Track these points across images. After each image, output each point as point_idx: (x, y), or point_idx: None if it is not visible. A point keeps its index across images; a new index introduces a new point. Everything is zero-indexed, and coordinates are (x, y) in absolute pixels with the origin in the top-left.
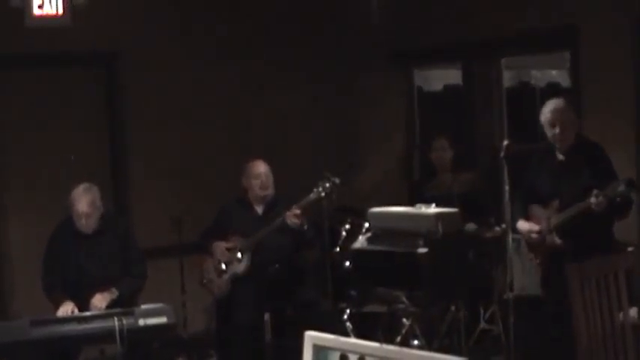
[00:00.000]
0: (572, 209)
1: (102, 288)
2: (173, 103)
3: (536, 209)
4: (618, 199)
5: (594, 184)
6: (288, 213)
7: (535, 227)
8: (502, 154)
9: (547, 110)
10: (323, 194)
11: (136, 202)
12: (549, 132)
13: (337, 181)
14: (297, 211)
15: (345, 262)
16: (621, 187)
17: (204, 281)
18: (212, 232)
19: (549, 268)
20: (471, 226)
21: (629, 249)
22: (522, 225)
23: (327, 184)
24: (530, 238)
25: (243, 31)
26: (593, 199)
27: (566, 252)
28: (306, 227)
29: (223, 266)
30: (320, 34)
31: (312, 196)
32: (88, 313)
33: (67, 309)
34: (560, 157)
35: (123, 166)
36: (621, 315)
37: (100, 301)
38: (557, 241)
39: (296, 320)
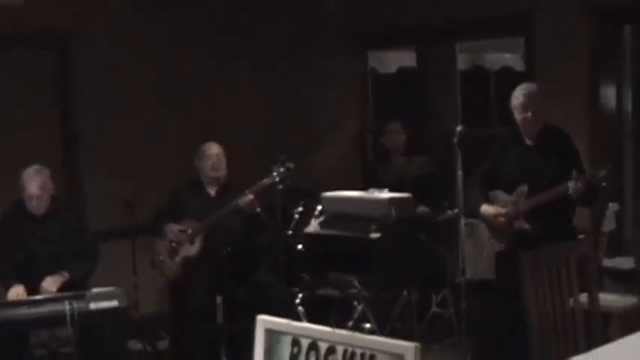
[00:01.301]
0: (546, 194)
1: (53, 271)
2: (126, 85)
3: (498, 194)
4: (604, 184)
5: (563, 170)
6: (241, 197)
7: (502, 211)
8: (455, 139)
9: (520, 94)
10: (277, 179)
11: (88, 183)
12: (520, 116)
13: (292, 166)
14: (251, 196)
15: (297, 245)
16: (602, 173)
17: (156, 263)
18: (165, 214)
19: (511, 254)
20: (422, 210)
21: (581, 236)
22: (487, 209)
23: (282, 169)
24: (496, 223)
25: (198, 15)
26: (571, 184)
27: (533, 237)
28: (259, 210)
29: (175, 248)
30: (274, 16)
31: (267, 181)
32: (38, 297)
33: (16, 292)
34: (529, 142)
35: (75, 147)
36: (572, 301)
37: (50, 284)
38: (526, 226)
39: (248, 303)
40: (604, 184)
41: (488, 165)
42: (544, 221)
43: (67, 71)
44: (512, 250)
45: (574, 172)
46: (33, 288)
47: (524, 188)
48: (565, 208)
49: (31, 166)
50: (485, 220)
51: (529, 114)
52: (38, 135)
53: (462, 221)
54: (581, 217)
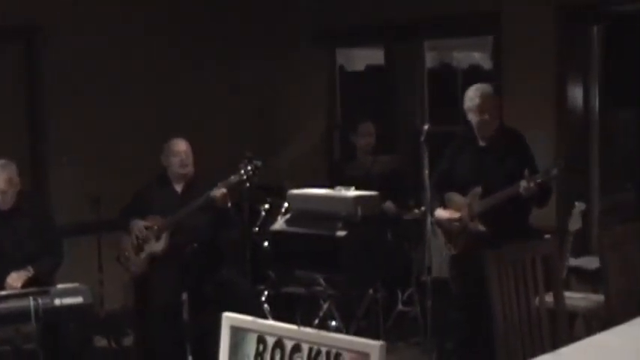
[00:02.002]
0: (499, 194)
1: (18, 266)
2: (93, 79)
3: (454, 196)
4: (550, 184)
5: (516, 172)
6: (214, 190)
7: (455, 215)
8: (422, 138)
9: (475, 95)
10: (245, 177)
11: (54, 178)
12: (476, 117)
13: (259, 163)
14: (224, 190)
15: (263, 242)
16: (554, 172)
17: (121, 259)
18: (131, 209)
19: (465, 255)
20: (389, 205)
21: (547, 236)
22: (442, 213)
23: (249, 167)
24: (451, 227)
25: (167, 7)
26: (523, 184)
27: (489, 239)
28: (229, 205)
29: (141, 244)
30: (244, 11)
31: (234, 178)
32: (2, 293)
33: None
34: (482, 143)
35: (41, 142)
36: (537, 300)
37: (15, 280)
38: (481, 228)
39: (214, 300)
40: (550, 183)
41: (442, 167)
42: (499, 222)
43: (34, 66)
44: (468, 252)
45: (526, 172)
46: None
47: (477, 190)
48: (519, 209)
49: None
50: (441, 224)
51: (486, 116)
52: (4, 129)
53: (429, 220)
54: (548, 216)
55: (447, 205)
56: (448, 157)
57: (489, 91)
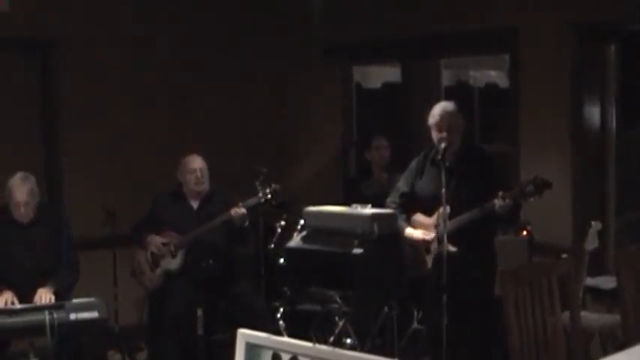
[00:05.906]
0: (472, 213)
1: (36, 279)
2: (109, 93)
3: (419, 217)
4: (531, 199)
5: (483, 191)
6: (235, 210)
7: (429, 236)
8: (439, 156)
9: (436, 112)
10: (262, 200)
11: (69, 193)
12: (435, 134)
13: (278, 187)
14: (244, 211)
15: (279, 259)
16: (529, 188)
17: (136, 273)
18: (145, 224)
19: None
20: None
21: (563, 255)
22: (415, 234)
23: (267, 190)
24: (423, 247)
25: (181, 24)
26: (498, 202)
27: (457, 259)
28: (247, 224)
29: (156, 260)
30: (259, 28)
31: (253, 201)
32: (18, 306)
33: (5, 299)
34: (446, 163)
35: (56, 156)
36: (553, 319)
37: (44, 297)
38: (452, 248)
39: (229, 316)
40: (532, 199)
41: (405, 186)
42: (467, 242)
43: (50, 79)
44: (436, 273)
45: (500, 192)
46: (15, 295)
47: (446, 210)
48: (487, 228)
49: (17, 173)
50: (412, 243)
51: (444, 134)
52: (20, 142)
53: (445, 237)
54: (564, 235)
55: (413, 225)
56: (412, 174)
57: (450, 110)
